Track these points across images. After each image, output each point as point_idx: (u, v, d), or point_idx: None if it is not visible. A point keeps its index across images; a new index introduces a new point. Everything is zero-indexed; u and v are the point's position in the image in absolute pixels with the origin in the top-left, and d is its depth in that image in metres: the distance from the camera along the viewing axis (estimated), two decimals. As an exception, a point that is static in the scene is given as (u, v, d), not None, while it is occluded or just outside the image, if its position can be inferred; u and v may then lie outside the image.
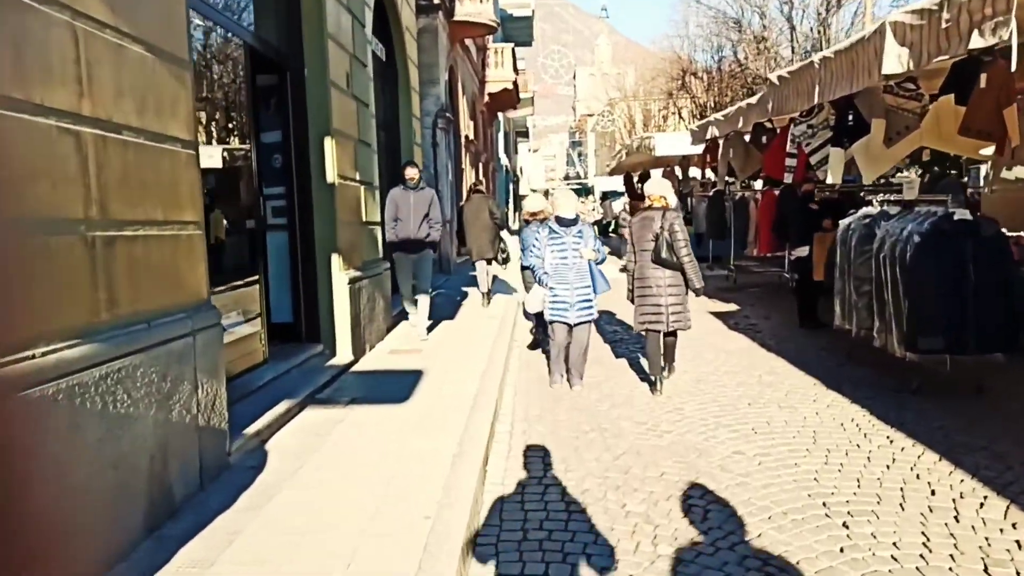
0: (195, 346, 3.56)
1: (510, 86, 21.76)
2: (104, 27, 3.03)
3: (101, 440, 2.77)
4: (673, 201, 6.10)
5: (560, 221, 5.91)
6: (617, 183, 37.79)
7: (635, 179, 24.49)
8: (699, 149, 13.77)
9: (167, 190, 3.49)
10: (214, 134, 5.53)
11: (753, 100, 9.24)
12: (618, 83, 58.27)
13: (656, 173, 25.18)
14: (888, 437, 4.61)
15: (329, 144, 6.38)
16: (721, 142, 11.03)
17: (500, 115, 33.50)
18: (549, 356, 6.29)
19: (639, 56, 59.36)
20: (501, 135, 36.72)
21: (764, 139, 10.64)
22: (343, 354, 6.47)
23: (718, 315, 9.29)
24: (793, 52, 26.31)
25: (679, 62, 37.20)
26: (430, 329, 8.09)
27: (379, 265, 7.91)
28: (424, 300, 7.88)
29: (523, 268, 6.98)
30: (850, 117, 6.63)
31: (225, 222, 5.55)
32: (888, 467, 4.12)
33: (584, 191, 56.89)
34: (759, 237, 10.92)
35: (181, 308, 3.52)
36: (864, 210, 6.49)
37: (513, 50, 22.21)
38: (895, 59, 5.27)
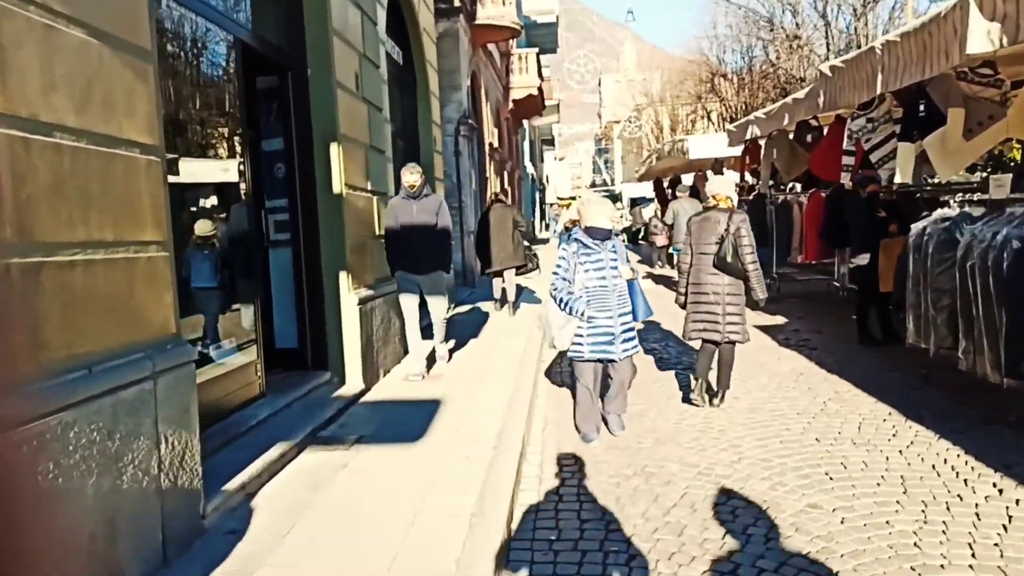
0: (156, 392, 2.94)
1: (535, 92, 21.16)
2: (27, 3, 2.44)
3: (13, 526, 2.16)
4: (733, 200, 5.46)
5: (592, 233, 4.73)
6: (645, 189, 36.97)
7: (665, 184, 23.88)
8: (737, 151, 13.00)
9: (120, 204, 2.89)
10: (205, 142, 4.96)
11: (800, 95, 8.47)
12: (644, 89, 57.67)
13: (687, 178, 24.46)
14: (995, 485, 3.82)
15: (336, 151, 5.78)
16: (763, 142, 10.26)
17: (525, 123, 32.94)
18: (577, 403, 4.95)
19: (665, 62, 58.61)
20: (527, 143, 36.16)
21: (809, 138, 9.85)
22: (353, 382, 5.84)
23: (765, 329, 8.49)
24: (828, 50, 25.30)
25: (707, 65, 36.37)
26: (452, 350, 7.46)
27: (394, 283, 7.29)
28: (440, 326, 6.77)
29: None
30: (921, 107, 5.85)
31: (221, 239, 4.98)
32: (1005, 528, 3.35)
33: (612, 198, 56.19)
34: (805, 243, 10.11)
35: (137, 347, 2.91)
36: (940, 212, 5.69)
37: (538, 55, 21.63)
38: (983, 36, 4.50)
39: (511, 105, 21.22)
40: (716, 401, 5.46)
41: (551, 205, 57.86)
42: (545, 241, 33.88)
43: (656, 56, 70.62)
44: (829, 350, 7.22)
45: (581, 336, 4.64)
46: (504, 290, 10.08)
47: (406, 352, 7.13)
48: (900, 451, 4.40)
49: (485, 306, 11.08)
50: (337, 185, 5.79)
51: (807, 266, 13.07)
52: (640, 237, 27.34)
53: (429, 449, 4.45)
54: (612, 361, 4.70)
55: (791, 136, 9.67)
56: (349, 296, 5.91)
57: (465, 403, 5.48)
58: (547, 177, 62.03)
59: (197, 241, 4.58)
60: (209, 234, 4.72)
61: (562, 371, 6.90)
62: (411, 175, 6.35)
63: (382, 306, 6.62)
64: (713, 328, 5.29)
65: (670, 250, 16.84)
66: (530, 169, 38.29)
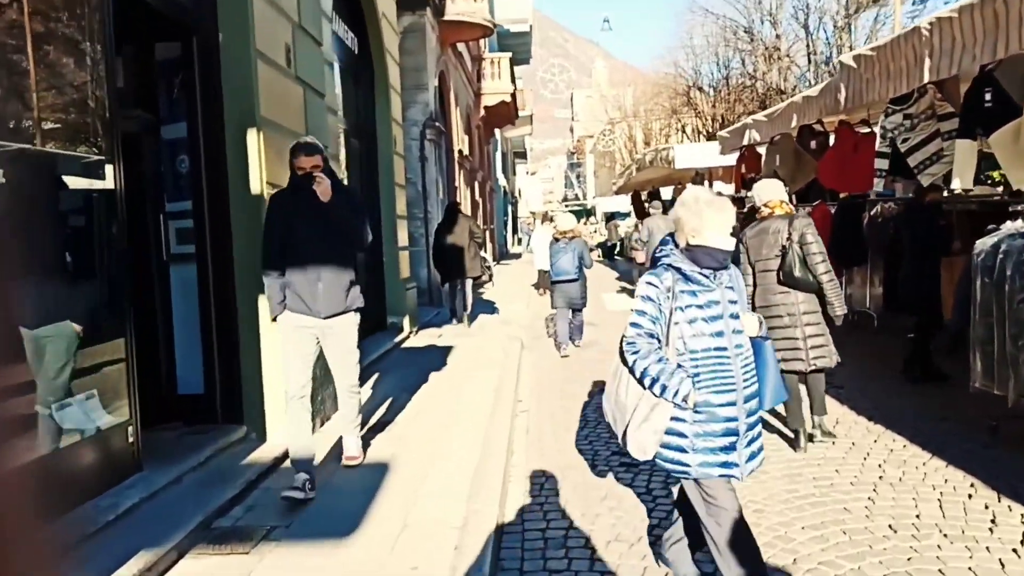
0: None
1: (508, 98, 20.04)
2: None
3: None
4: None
5: (703, 258, 2.66)
6: (619, 203, 36.06)
7: (643, 197, 22.87)
8: (728, 160, 11.96)
9: None
10: (70, 128, 3.62)
11: (814, 91, 7.41)
12: (617, 103, 57.48)
13: (667, 191, 23.57)
14: None
15: (255, 139, 4.49)
16: (764, 148, 9.19)
17: (497, 133, 31.84)
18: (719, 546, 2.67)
19: (637, 78, 58.56)
20: (499, 155, 35.05)
21: (813, 144, 8.81)
22: (276, 439, 4.51)
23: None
24: (810, 61, 24.65)
25: (682, 77, 35.73)
26: (409, 390, 6.17)
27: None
28: (349, 400, 4.24)
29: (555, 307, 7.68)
30: (987, 97, 4.76)
31: (91, 253, 3.65)
32: None
33: (584, 213, 55.30)
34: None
35: None
36: (1012, 225, 4.59)
37: (511, 60, 20.53)
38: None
39: (483, 112, 20.07)
40: (816, 431, 4.75)
41: (525, 218, 56.94)
42: (517, 256, 32.73)
43: (628, 73, 70.64)
44: (860, 390, 6.06)
45: (685, 437, 2.63)
46: (465, 299, 10.06)
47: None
48: (1014, 549, 3.22)
49: (452, 329, 9.81)
50: (256, 183, 4.49)
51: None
52: (616, 252, 26.32)
53: (362, 553, 3.15)
54: (732, 477, 2.68)
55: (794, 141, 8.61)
56: (271, 324, 4.59)
57: (421, 471, 4.18)
58: (519, 191, 61.09)
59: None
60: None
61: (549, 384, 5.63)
62: (308, 156, 3.82)
63: (320, 337, 5.31)
64: (794, 356, 4.44)
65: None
66: (502, 181, 37.17)
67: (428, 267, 12.59)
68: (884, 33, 22.37)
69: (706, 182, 17.59)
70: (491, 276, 10.72)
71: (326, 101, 5.93)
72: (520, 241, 47.80)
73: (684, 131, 38.29)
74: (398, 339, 8.60)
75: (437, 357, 7.81)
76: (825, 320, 4.55)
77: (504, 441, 4.69)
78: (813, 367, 4.49)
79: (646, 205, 22.41)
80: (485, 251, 11.03)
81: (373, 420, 5.40)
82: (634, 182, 20.81)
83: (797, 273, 4.33)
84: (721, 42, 29.18)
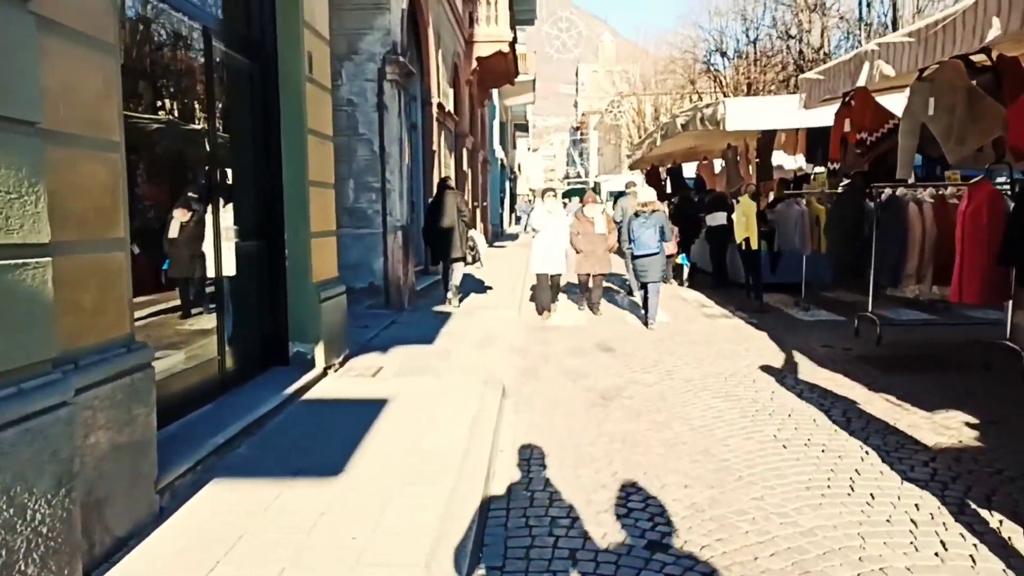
0: None
1: (505, 49, 16.54)
2: None
3: None
4: None
5: None
6: (621, 182, 32.49)
7: (663, 173, 19.38)
8: (803, 119, 8.55)
9: None
10: None
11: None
12: (625, 77, 54.21)
13: (689, 167, 20.01)
14: None
15: None
16: (909, 90, 5.75)
17: (496, 98, 28.22)
18: None
19: (645, 58, 55.34)
20: (496, 123, 31.42)
21: (975, 83, 5.40)
22: None
23: (898, 420, 4.13)
24: (862, 19, 21.08)
25: (705, 41, 32.13)
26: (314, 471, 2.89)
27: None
28: None
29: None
30: None
31: None
32: None
33: (581, 193, 51.90)
34: (964, 273, 5.64)
35: None
36: None
37: (511, 4, 16.97)
38: None
39: (475, 65, 16.57)
40: None
41: (524, 195, 53.37)
42: (514, 236, 29.31)
43: (636, 53, 66.86)
44: None
45: None
46: (452, 283, 9.67)
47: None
48: None
49: (415, 354, 6.47)
50: None
51: (911, 301, 8.71)
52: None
53: None
54: None
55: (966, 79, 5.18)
56: None
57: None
58: (519, 166, 57.47)
59: None
60: None
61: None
62: None
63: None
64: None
65: (679, 260, 12.43)
66: (500, 154, 33.59)
67: (386, 256, 9.23)
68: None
69: (742, 156, 14.21)
70: (476, 258, 9.85)
71: None
72: (517, 220, 44.26)
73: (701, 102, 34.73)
74: (300, 383, 5.26)
75: (351, 427, 4.46)
76: None
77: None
78: None
79: (666, 182, 19.05)
80: (474, 230, 9.96)
81: None
82: (653, 155, 17.32)
83: None
84: (752, -1, 25.57)
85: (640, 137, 45.37)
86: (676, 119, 12.19)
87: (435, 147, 12.25)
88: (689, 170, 19.72)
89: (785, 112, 9.20)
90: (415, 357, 6.51)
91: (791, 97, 8.99)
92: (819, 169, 10.65)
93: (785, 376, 6.09)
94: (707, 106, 10.36)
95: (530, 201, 45.05)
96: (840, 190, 7.94)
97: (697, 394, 5.58)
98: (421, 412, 4.81)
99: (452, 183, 10.04)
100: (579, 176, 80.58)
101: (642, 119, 49.77)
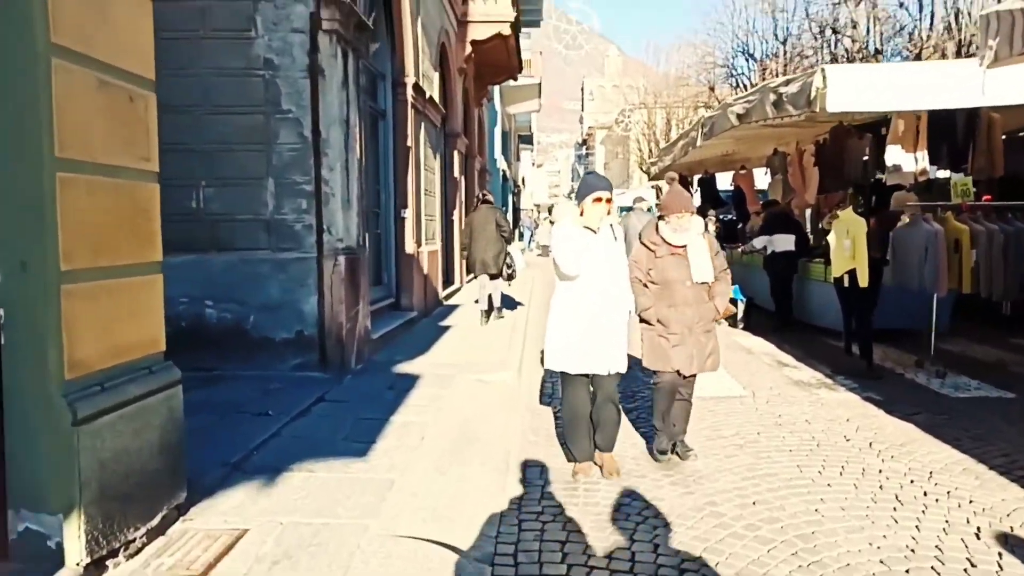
0: None
1: (506, 31, 13.62)
2: None
3: None
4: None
5: None
6: (632, 195, 29.52)
7: (693, 185, 16.39)
8: (954, 97, 5.56)
9: None
10: None
11: None
12: (628, 97, 52.22)
13: (724, 177, 17.09)
14: None
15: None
16: None
17: (497, 99, 25.34)
18: None
19: (652, 73, 53.34)
20: (498, 131, 28.53)
21: None
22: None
23: None
24: (921, 8, 18.09)
25: (723, 47, 29.33)
26: None
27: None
28: None
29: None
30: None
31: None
32: None
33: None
34: None
35: None
36: None
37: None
38: None
39: (469, 49, 13.67)
40: None
41: (528, 211, 50.51)
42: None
43: (643, 69, 64.65)
44: None
45: None
46: (489, 297, 9.34)
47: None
48: None
49: (321, 490, 3.37)
50: None
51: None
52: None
53: None
54: None
55: None
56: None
57: None
58: (523, 180, 54.67)
59: None
60: None
61: None
62: None
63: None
64: None
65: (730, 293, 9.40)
66: (502, 164, 30.68)
67: (320, 292, 6.20)
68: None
69: (793, 164, 11.22)
70: (511, 275, 9.35)
71: None
72: (521, 236, 41.29)
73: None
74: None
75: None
76: None
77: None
78: None
79: (696, 194, 16.08)
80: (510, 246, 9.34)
81: None
82: (684, 162, 14.28)
83: None
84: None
85: (651, 151, 42.63)
86: (730, 108, 9.15)
87: (410, 142, 9.24)
88: (723, 181, 16.81)
89: (912, 87, 6.20)
90: (316, 502, 3.45)
91: (922, 65, 6.04)
92: (945, 174, 7.62)
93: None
94: (786, 82, 7.32)
95: (533, 217, 42.09)
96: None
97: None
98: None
99: (491, 198, 9.70)
100: (584, 192, 77.73)
101: (652, 131, 47.22)
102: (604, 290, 3.95)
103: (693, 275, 4.11)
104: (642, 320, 4.22)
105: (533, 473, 4.10)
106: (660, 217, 4.24)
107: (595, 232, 3.94)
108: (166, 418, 3.09)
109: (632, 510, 3.59)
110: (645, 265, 4.20)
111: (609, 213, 3.97)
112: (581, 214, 3.97)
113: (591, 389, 4.07)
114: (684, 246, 4.13)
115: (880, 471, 4.14)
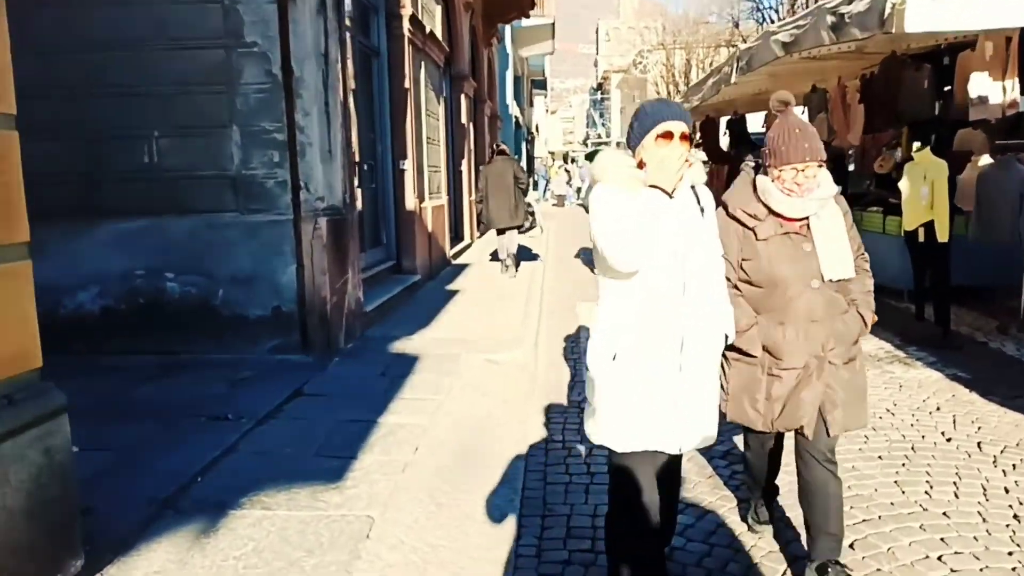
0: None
1: (516, -42, 12.30)
2: None
3: None
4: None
5: None
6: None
7: (721, 128, 15.20)
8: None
9: None
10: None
11: None
12: (645, 38, 50.18)
13: (755, 118, 15.82)
14: None
15: None
16: None
17: (508, 41, 23.85)
18: None
19: (666, 15, 51.15)
20: (510, 76, 27.04)
21: None
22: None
23: None
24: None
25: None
26: None
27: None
28: None
29: None
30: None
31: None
32: None
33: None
34: None
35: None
36: None
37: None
38: None
39: (474, -19, 12.40)
40: None
41: (542, 159, 49.05)
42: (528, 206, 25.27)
43: (658, 11, 61.95)
44: None
45: None
46: (508, 252, 9.13)
47: None
48: None
49: (272, 551, 2.50)
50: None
51: None
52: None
53: None
54: None
55: None
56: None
57: None
58: (537, 127, 52.99)
59: None
60: None
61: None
62: None
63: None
64: None
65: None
66: (513, 110, 29.24)
67: (300, 261, 5.25)
68: None
69: (834, 102, 9.98)
70: (534, 223, 10.25)
71: None
72: (535, 185, 40.00)
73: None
74: None
75: None
76: None
77: None
78: None
79: (726, 140, 14.86)
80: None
81: None
82: (712, 102, 12.99)
83: None
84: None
85: (670, 93, 40.77)
86: (773, 37, 7.90)
87: (408, 83, 8.15)
88: (754, 122, 15.52)
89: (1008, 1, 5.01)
90: (268, 560, 2.56)
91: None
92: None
93: None
94: (848, 0, 6.12)
95: (548, 165, 40.65)
96: None
97: None
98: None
99: (507, 149, 9.52)
100: (600, 137, 75.98)
101: (672, 72, 45.31)
102: (692, 299, 2.13)
103: (823, 269, 2.37)
104: (731, 347, 2.38)
105: (554, 493, 3.20)
106: (759, 169, 2.50)
107: (669, 196, 2.06)
108: (40, 467, 2.19)
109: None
110: (736, 253, 2.45)
111: (690, 165, 2.13)
112: (640, 165, 2.15)
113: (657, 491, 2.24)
114: (806, 220, 2.41)
115: (1007, 490, 3.19)
